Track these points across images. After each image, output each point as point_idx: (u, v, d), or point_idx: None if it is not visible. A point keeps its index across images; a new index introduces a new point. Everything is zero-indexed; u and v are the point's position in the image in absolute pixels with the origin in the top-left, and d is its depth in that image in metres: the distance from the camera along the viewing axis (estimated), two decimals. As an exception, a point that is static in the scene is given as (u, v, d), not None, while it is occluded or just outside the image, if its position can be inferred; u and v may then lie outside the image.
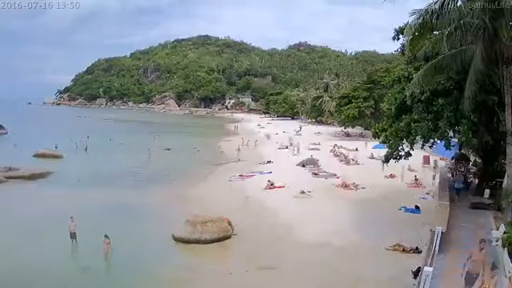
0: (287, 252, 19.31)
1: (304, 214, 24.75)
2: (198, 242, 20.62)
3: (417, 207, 25.20)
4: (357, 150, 51.36)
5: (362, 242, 20.15)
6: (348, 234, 21.14)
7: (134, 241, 20.96)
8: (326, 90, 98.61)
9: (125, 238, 21.38)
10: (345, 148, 53.81)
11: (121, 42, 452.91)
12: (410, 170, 34.80)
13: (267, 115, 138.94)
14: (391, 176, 34.06)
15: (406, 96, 19.83)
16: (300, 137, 68.53)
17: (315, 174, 37.44)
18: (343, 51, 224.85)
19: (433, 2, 15.92)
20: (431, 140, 21.28)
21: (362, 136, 69.55)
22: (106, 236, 18.76)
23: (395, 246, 18.92)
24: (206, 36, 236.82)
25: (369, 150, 47.94)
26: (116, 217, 24.95)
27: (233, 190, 31.79)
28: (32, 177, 35.95)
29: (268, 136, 72.18)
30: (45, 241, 20.81)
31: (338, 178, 35.05)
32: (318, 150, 52.94)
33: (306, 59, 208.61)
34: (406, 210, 25.14)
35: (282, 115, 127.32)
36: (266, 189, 31.18)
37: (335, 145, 55.87)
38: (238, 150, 52.23)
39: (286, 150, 55.16)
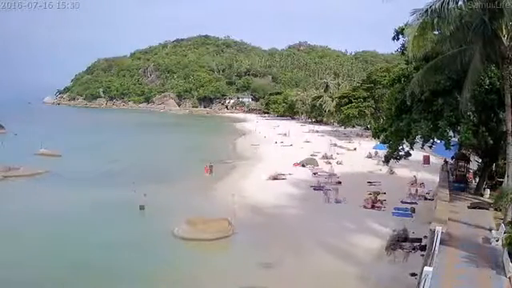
0: (288, 251, 19.34)
1: (304, 214, 24.81)
2: (198, 240, 20.67)
3: (413, 210, 25.06)
4: (355, 149, 51.78)
5: (362, 241, 20.22)
6: (349, 234, 21.20)
7: (136, 239, 21.01)
8: (325, 90, 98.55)
9: (127, 235, 21.47)
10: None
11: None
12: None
13: (267, 115, 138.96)
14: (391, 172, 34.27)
15: (405, 96, 19.80)
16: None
17: (315, 174, 37.46)
18: (343, 51, 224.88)
19: (433, 2, 15.87)
20: (431, 140, 21.25)
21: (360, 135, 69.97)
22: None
23: None
24: (206, 36, 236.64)
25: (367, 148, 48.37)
26: (117, 215, 24.98)
27: (234, 189, 31.82)
28: (33, 175, 36.01)
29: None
30: (45, 239, 20.84)
31: (338, 177, 35.12)
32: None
33: (306, 59, 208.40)
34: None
35: (282, 115, 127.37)
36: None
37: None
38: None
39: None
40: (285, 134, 74.16)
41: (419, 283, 11.44)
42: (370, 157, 46.05)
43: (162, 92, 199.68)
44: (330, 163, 43.01)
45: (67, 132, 71.84)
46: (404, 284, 15.73)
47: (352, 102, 69.90)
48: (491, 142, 19.65)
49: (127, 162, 44.38)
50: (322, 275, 16.84)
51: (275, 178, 35.47)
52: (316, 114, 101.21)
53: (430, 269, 10.98)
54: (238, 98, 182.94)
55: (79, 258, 18.82)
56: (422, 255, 16.11)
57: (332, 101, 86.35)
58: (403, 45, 22.62)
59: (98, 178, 35.61)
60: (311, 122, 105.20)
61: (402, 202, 27.16)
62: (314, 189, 31.38)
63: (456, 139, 21.07)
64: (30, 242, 20.60)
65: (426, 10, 15.85)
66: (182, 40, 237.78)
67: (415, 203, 26.59)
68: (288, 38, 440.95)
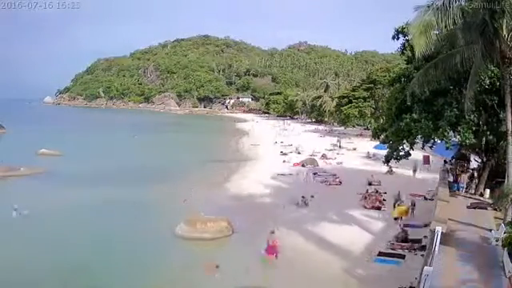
0: (287, 250, 19.33)
1: (304, 213, 24.85)
2: (198, 240, 20.70)
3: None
4: (355, 149, 51.82)
5: (361, 239, 20.26)
6: (349, 234, 21.23)
7: (136, 238, 21.01)
8: (325, 90, 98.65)
9: (127, 234, 21.46)
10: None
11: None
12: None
13: (267, 115, 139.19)
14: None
15: (406, 96, 19.78)
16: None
17: (315, 174, 37.42)
18: (343, 51, 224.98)
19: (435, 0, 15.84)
20: (432, 140, 21.25)
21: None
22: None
23: None
24: (206, 36, 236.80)
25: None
26: (117, 214, 24.96)
27: (235, 189, 31.86)
28: (33, 175, 36.02)
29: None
30: (45, 238, 20.84)
31: (337, 178, 35.08)
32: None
33: (306, 59, 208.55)
34: None
35: (282, 115, 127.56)
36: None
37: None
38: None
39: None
40: (284, 134, 74.48)
41: (419, 283, 11.46)
42: (369, 157, 46.17)
43: (162, 92, 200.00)
44: (330, 163, 43.06)
45: (68, 132, 71.89)
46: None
47: (352, 102, 70.01)
48: (492, 141, 19.62)
49: (128, 162, 44.30)
50: (320, 273, 16.87)
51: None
52: (316, 114, 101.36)
53: (430, 269, 11.00)
54: (238, 97, 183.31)
55: (78, 258, 18.71)
56: (422, 255, 16.12)
57: (332, 101, 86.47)
58: (403, 44, 22.60)
59: (98, 178, 35.53)
60: (311, 122, 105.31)
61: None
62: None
63: (456, 139, 21.08)
64: (29, 242, 20.55)
65: (428, 7, 15.83)
66: (182, 40, 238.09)
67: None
68: (288, 38, 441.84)
